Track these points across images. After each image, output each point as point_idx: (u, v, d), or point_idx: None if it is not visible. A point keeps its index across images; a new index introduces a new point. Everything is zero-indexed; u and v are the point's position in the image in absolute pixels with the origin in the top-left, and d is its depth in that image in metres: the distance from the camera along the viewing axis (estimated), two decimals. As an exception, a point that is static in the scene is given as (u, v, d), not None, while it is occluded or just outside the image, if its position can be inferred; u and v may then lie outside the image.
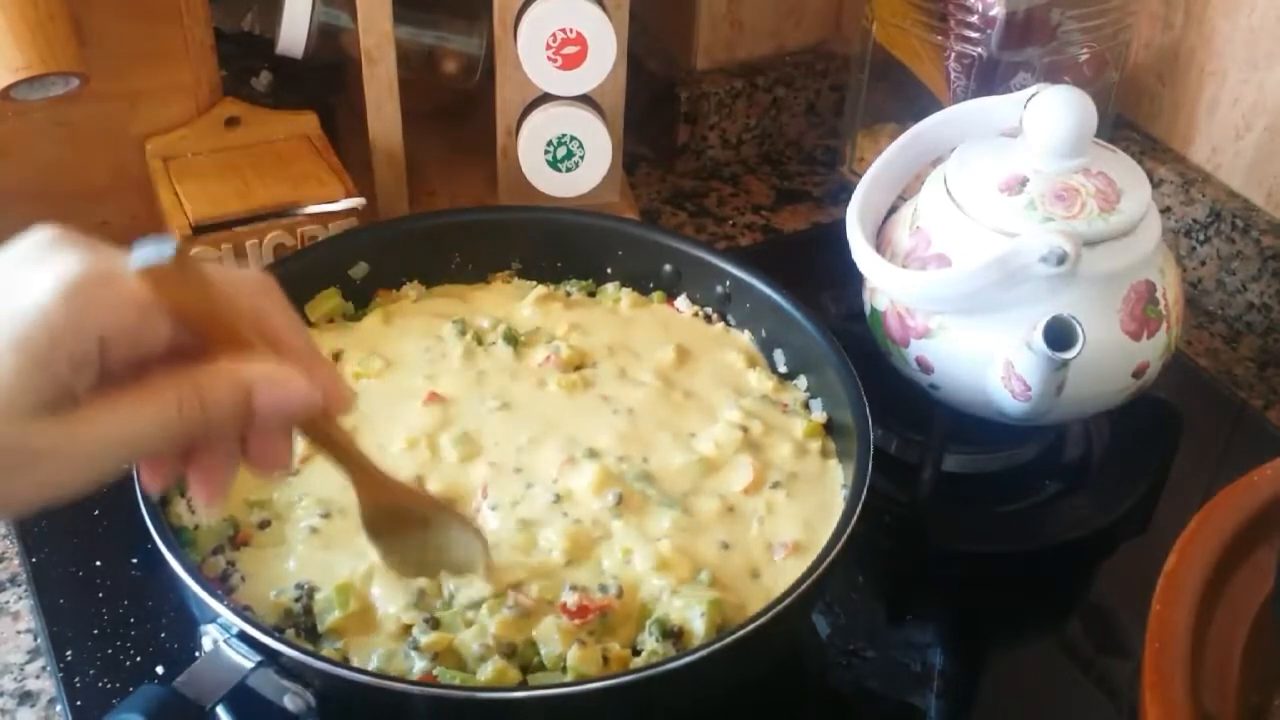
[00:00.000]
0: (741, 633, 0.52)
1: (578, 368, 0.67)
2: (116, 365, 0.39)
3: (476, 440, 0.62)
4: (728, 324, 0.72)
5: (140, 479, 0.45)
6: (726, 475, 0.62)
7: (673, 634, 0.55)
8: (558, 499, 0.60)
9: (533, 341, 0.68)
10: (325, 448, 0.50)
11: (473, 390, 0.65)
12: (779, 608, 0.53)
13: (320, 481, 0.60)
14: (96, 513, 0.66)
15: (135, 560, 0.64)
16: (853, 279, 0.70)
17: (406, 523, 0.54)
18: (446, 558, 0.55)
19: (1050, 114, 0.64)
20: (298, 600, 0.56)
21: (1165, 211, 0.85)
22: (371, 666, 0.53)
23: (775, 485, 0.62)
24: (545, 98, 0.79)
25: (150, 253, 0.38)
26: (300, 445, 0.60)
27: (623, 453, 0.62)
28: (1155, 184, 0.83)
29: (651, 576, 0.57)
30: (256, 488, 0.60)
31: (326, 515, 0.59)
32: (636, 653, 0.55)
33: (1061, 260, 0.60)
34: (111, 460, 0.39)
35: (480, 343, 0.68)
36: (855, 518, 0.56)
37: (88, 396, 0.39)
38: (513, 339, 0.68)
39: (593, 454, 0.62)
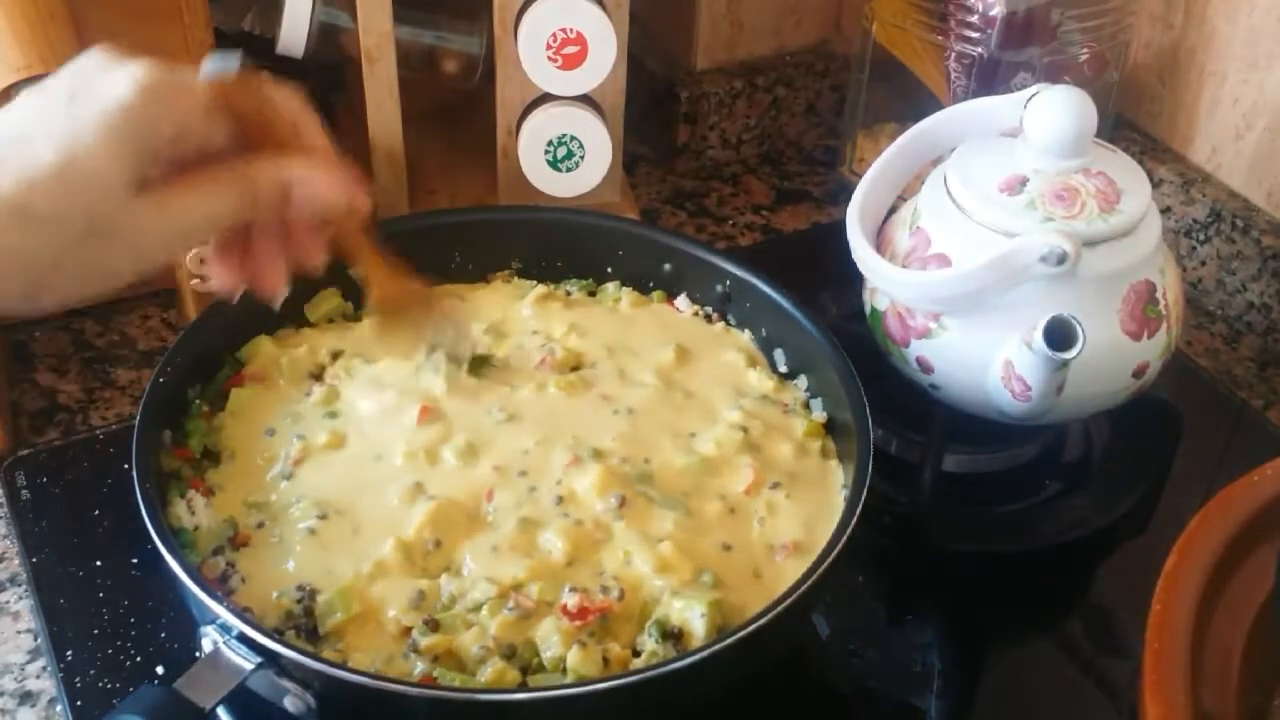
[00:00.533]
0: (742, 634, 0.52)
1: (575, 368, 0.67)
2: (182, 157, 0.45)
3: (480, 447, 0.62)
4: (728, 324, 0.72)
5: (216, 275, 0.51)
6: (728, 476, 0.62)
7: (673, 635, 0.55)
8: (560, 501, 0.60)
9: (512, 355, 0.68)
10: (346, 246, 0.55)
11: (473, 404, 0.65)
12: (779, 608, 0.53)
13: (316, 483, 0.60)
14: (96, 513, 0.67)
15: (135, 561, 0.64)
16: (853, 279, 0.70)
17: (409, 317, 0.61)
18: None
19: (1050, 114, 0.64)
20: (299, 602, 0.56)
21: (1165, 211, 0.85)
22: (371, 669, 0.53)
23: (776, 486, 0.62)
24: (545, 97, 0.79)
25: (218, 64, 0.46)
26: (295, 448, 0.60)
27: (626, 454, 0.62)
28: (1155, 184, 0.83)
29: (653, 578, 0.57)
30: (254, 489, 0.60)
31: (324, 517, 0.59)
32: (637, 654, 0.55)
33: (1061, 260, 0.60)
34: (185, 234, 0.46)
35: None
36: (855, 518, 0.56)
37: (161, 182, 0.45)
38: (483, 359, 0.67)
39: (597, 455, 0.62)
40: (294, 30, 0.77)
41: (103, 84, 0.44)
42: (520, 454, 0.62)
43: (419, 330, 0.63)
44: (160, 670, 0.59)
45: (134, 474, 0.56)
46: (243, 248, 0.51)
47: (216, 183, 0.46)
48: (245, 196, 0.47)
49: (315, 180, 0.48)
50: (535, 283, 0.73)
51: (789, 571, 0.57)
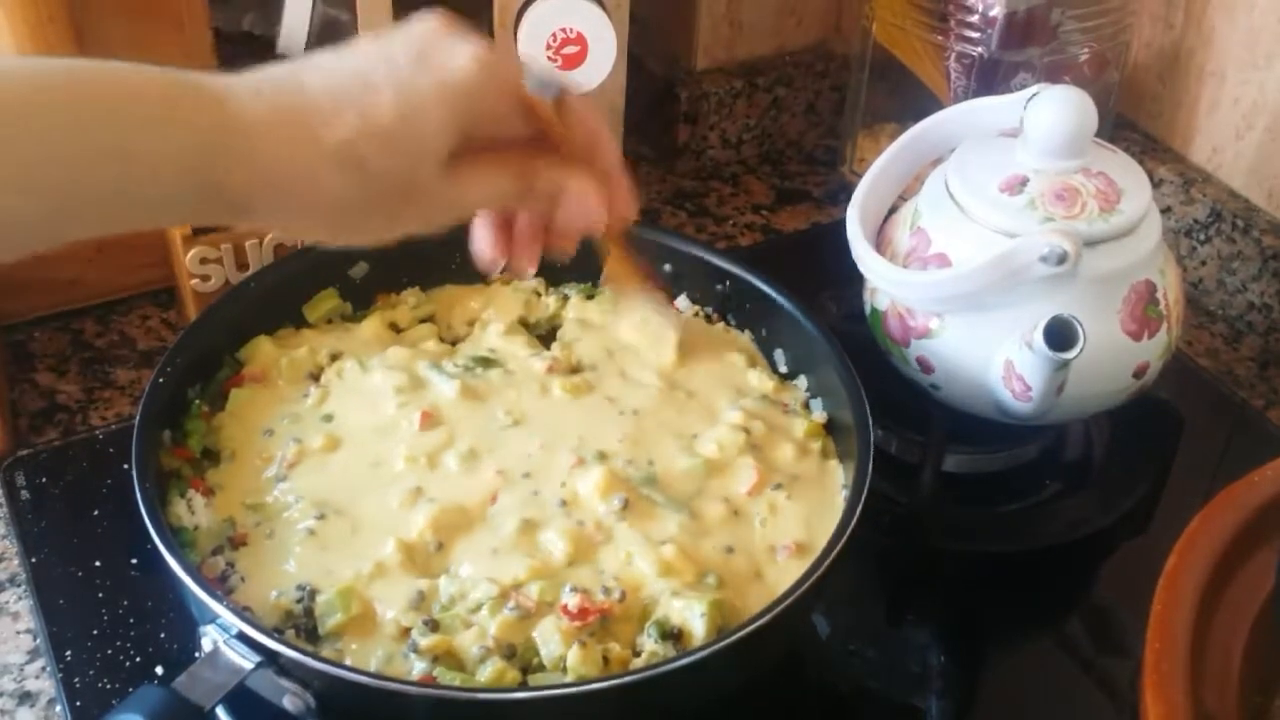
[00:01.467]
0: (741, 634, 0.52)
1: (574, 370, 0.67)
2: (487, 139, 0.48)
3: (482, 452, 0.62)
4: (728, 324, 0.72)
5: (478, 246, 0.54)
6: (730, 477, 0.62)
7: (673, 635, 0.55)
8: (564, 504, 0.60)
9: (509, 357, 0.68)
10: (600, 242, 0.59)
11: (477, 409, 0.65)
12: (779, 609, 0.53)
13: (313, 484, 0.60)
14: (96, 513, 0.66)
15: (135, 561, 0.64)
16: (853, 279, 0.70)
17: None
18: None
19: (1050, 114, 0.64)
20: (299, 602, 0.56)
21: (1166, 211, 0.85)
22: (371, 669, 0.53)
23: (777, 487, 0.62)
24: (545, 98, 0.79)
25: (541, 85, 0.50)
26: (291, 450, 0.61)
27: (629, 456, 0.62)
28: (1155, 184, 0.83)
29: (654, 579, 0.57)
30: (253, 490, 0.60)
31: (322, 517, 0.59)
32: (638, 654, 0.54)
33: (1062, 260, 0.60)
34: (466, 207, 0.50)
35: (470, 370, 0.67)
36: (856, 519, 0.56)
37: (461, 158, 0.47)
38: (486, 361, 0.67)
39: (601, 457, 0.62)
40: (294, 30, 0.77)
41: (447, 53, 0.45)
42: (524, 457, 0.62)
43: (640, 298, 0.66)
44: (160, 670, 0.59)
45: (134, 474, 0.56)
46: (506, 227, 0.53)
47: (506, 168, 0.49)
48: (523, 188, 0.49)
49: (588, 195, 0.51)
50: (535, 283, 0.73)
51: (791, 572, 0.57)
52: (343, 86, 0.44)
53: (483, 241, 0.54)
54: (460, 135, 0.46)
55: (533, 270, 0.55)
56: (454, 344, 0.70)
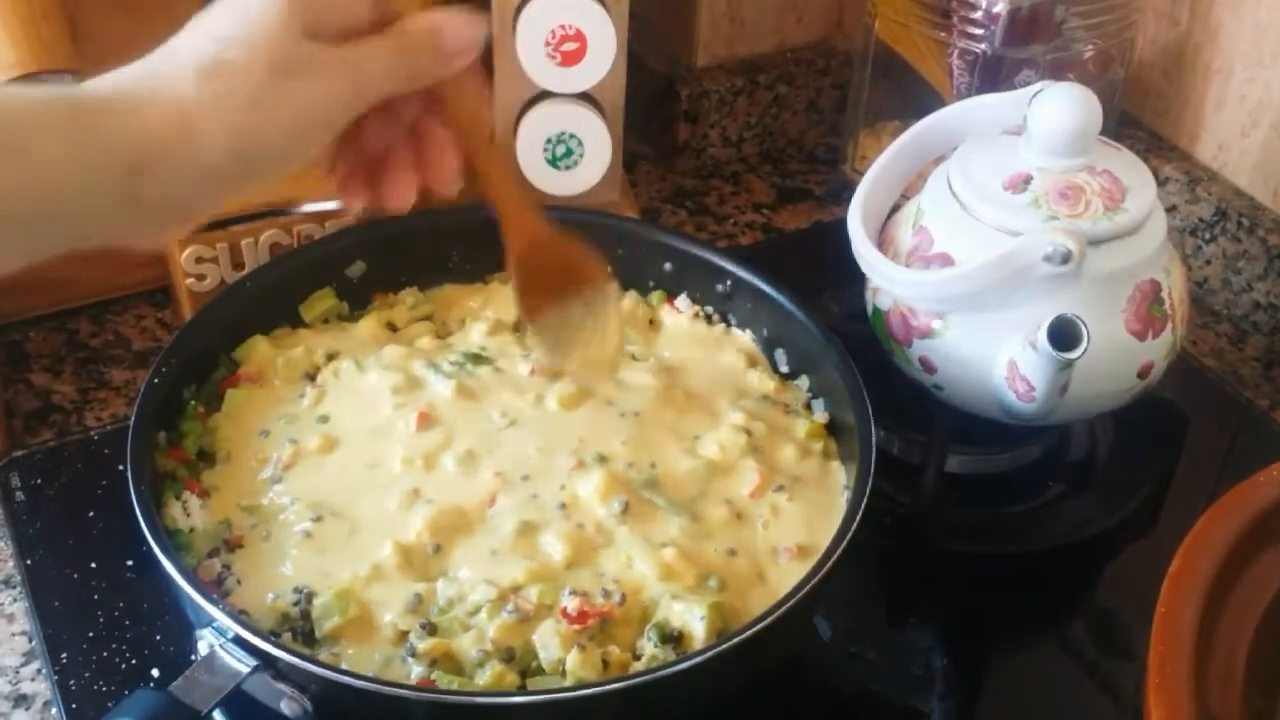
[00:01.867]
0: (742, 637, 0.51)
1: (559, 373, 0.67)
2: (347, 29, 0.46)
3: (481, 454, 0.62)
4: (728, 324, 0.72)
5: (346, 194, 0.51)
6: (732, 479, 0.62)
7: (673, 638, 0.54)
8: (563, 506, 0.59)
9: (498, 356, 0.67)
10: (478, 165, 0.52)
11: (474, 410, 0.64)
12: (779, 612, 0.52)
13: (310, 485, 0.60)
14: (91, 514, 0.66)
15: (130, 563, 0.63)
16: (855, 278, 0.69)
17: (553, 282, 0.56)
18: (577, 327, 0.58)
19: (1054, 111, 0.63)
20: (295, 605, 0.55)
21: (1170, 210, 0.84)
22: (369, 672, 0.53)
23: (779, 488, 0.61)
24: (544, 95, 0.78)
25: None
26: (286, 452, 0.60)
27: (630, 458, 0.62)
28: (1160, 182, 0.83)
29: (655, 582, 0.56)
30: (249, 491, 0.60)
31: (318, 519, 0.58)
32: (638, 657, 0.54)
33: (1066, 259, 0.59)
34: (363, 82, 0.46)
35: (465, 366, 0.66)
36: (857, 520, 0.55)
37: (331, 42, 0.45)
38: (476, 358, 0.67)
39: (601, 460, 0.61)
40: (291, 27, 0.77)
41: None
42: (523, 459, 0.61)
43: (563, 305, 0.57)
44: (156, 673, 0.59)
45: (129, 475, 0.56)
46: (371, 167, 0.51)
47: (377, 42, 0.47)
48: (405, 51, 0.47)
49: (456, 21, 0.48)
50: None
51: (793, 574, 0.56)
52: None
53: (345, 185, 0.51)
54: (309, 11, 0.45)
55: (410, 202, 0.51)
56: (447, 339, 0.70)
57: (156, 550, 0.53)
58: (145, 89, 0.43)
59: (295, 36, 0.44)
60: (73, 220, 0.42)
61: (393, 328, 0.70)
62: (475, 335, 0.69)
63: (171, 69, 0.44)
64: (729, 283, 0.71)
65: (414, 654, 0.53)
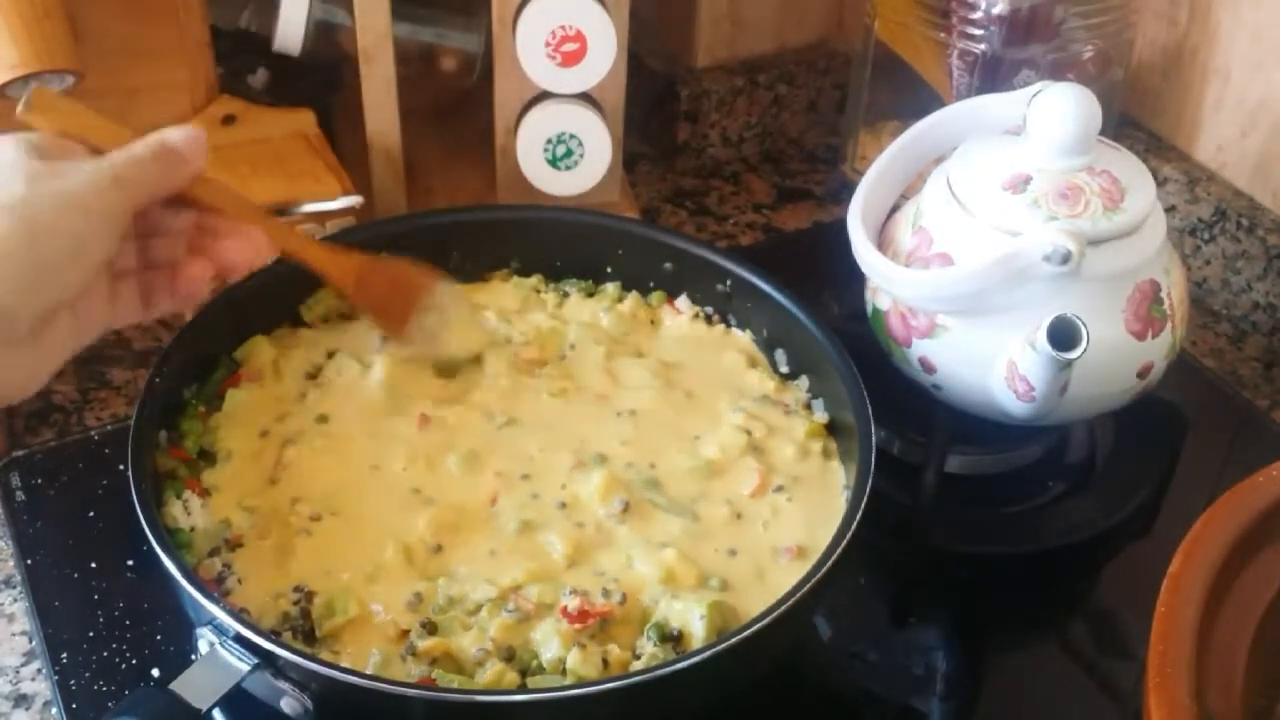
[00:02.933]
0: (741, 636, 0.51)
1: (541, 363, 0.67)
2: None
3: (482, 453, 0.62)
4: (728, 324, 0.72)
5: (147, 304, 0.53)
6: (732, 479, 0.62)
7: (672, 637, 0.54)
8: (564, 506, 0.59)
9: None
10: (274, 236, 0.56)
11: (474, 409, 0.64)
12: (778, 611, 0.52)
13: (310, 485, 0.60)
14: (92, 514, 0.66)
15: (131, 562, 0.63)
16: (854, 278, 0.69)
17: (395, 302, 0.62)
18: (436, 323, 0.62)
19: (1054, 112, 0.63)
20: (296, 604, 0.55)
21: (1170, 210, 0.84)
22: (369, 670, 0.53)
23: (779, 489, 0.61)
24: (544, 95, 0.78)
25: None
26: (287, 452, 0.60)
27: (631, 458, 0.62)
28: (1160, 182, 0.83)
29: (655, 582, 0.56)
30: (248, 492, 0.60)
31: (319, 518, 0.58)
32: (638, 656, 0.54)
33: (1065, 259, 0.59)
34: (122, 206, 0.47)
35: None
36: (857, 520, 0.55)
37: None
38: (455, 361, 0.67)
39: (602, 460, 0.61)
40: (290, 28, 0.77)
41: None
42: (524, 459, 0.61)
43: (416, 314, 0.62)
44: (156, 672, 0.59)
45: (130, 475, 0.56)
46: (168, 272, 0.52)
47: (130, 149, 0.49)
48: (144, 159, 0.49)
49: (182, 130, 0.51)
50: (534, 282, 0.73)
51: (793, 574, 0.56)
52: None
53: (149, 290, 0.52)
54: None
55: (197, 297, 0.54)
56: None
57: (157, 549, 0.53)
58: None
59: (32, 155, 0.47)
60: None
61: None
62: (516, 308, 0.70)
63: None
64: (729, 283, 0.71)
65: (414, 653, 0.53)
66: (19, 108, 0.49)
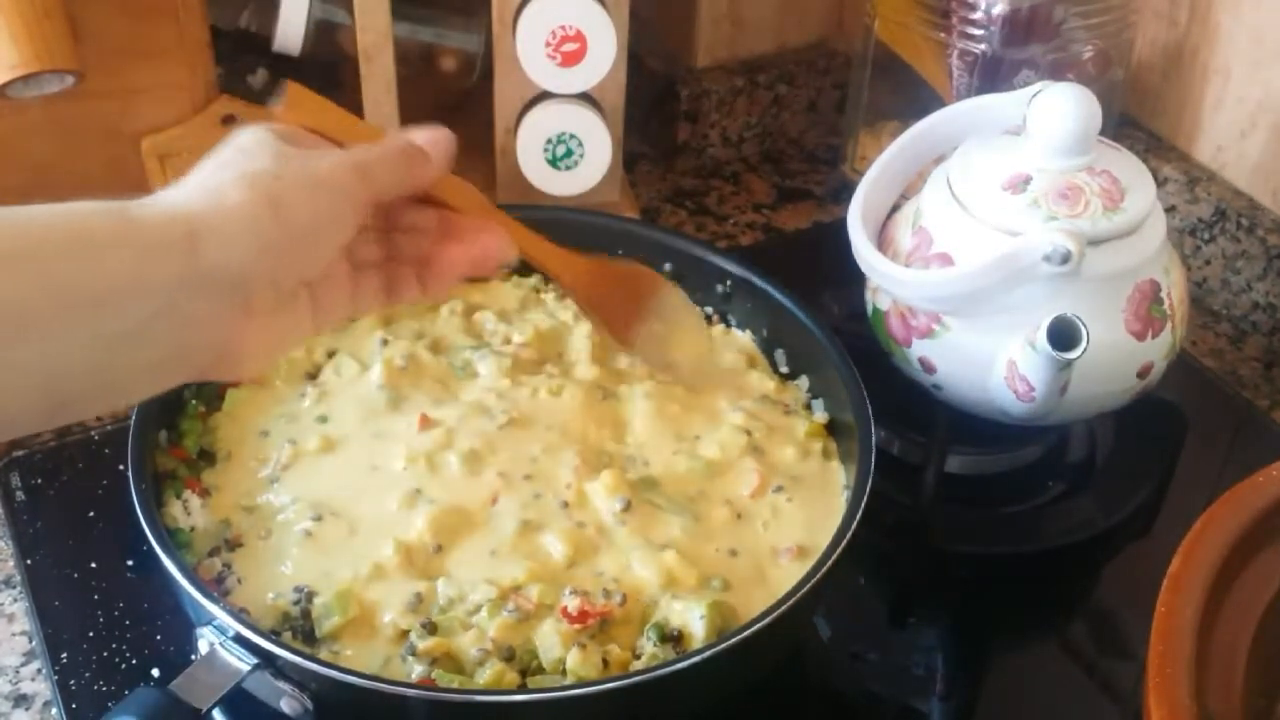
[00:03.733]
0: (741, 636, 0.51)
1: (540, 364, 0.67)
2: None
3: (483, 453, 0.62)
4: (728, 324, 0.72)
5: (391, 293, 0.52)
6: (732, 479, 0.62)
7: (672, 637, 0.54)
8: (566, 506, 0.59)
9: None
10: (513, 236, 0.54)
11: (473, 409, 0.64)
12: (778, 611, 0.52)
13: (310, 485, 0.60)
14: (92, 514, 0.66)
15: (131, 562, 0.63)
16: (854, 278, 0.69)
17: (619, 307, 0.59)
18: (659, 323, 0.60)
19: (1054, 112, 0.63)
20: (296, 604, 0.55)
21: (1170, 210, 0.84)
22: (369, 671, 0.52)
23: (779, 489, 0.61)
24: (544, 95, 0.78)
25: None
26: (286, 452, 0.60)
27: (630, 458, 0.62)
28: (1160, 182, 0.83)
29: (655, 582, 0.56)
30: (248, 492, 0.60)
31: (319, 518, 0.58)
32: (638, 656, 0.54)
33: (1065, 259, 0.59)
34: (357, 167, 0.47)
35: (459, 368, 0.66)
36: (857, 520, 0.55)
37: None
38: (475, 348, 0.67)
39: (603, 459, 0.61)
40: (291, 28, 0.77)
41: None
42: (525, 459, 0.61)
43: (641, 319, 0.60)
44: (156, 672, 0.59)
45: (130, 475, 0.56)
46: (417, 263, 0.52)
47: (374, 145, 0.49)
48: (390, 163, 0.49)
49: (423, 134, 0.51)
50: (534, 282, 0.73)
51: (793, 574, 0.56)
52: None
53: (392, 277, 0.52)
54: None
55: (444, 290, 0.53)
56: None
57: (157, 549, 0.53)
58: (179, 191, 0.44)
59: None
60: (137, 297, 0.41)
61: (393, 326, 0.70)
62: (445, 328, 0.69)
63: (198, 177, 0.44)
64: (729, 283, 0.71)
65: (414, 653, 0.53)
66: (277, 106, 0.49)
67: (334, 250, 0.47)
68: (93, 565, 0.64)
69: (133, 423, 0.58)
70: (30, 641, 0.61)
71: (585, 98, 0.79)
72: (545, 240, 0.56)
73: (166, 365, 0.43)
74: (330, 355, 0.67)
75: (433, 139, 0.51)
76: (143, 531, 0.54)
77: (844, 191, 0.78)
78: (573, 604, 0.55)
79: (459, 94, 0.85)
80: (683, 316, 0.61)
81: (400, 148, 0.49)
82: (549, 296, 0.73)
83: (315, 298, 0.48)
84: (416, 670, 0.53)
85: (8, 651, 0.61)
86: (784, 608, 0.52)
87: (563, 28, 0.74)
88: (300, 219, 0.45)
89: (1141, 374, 0.65)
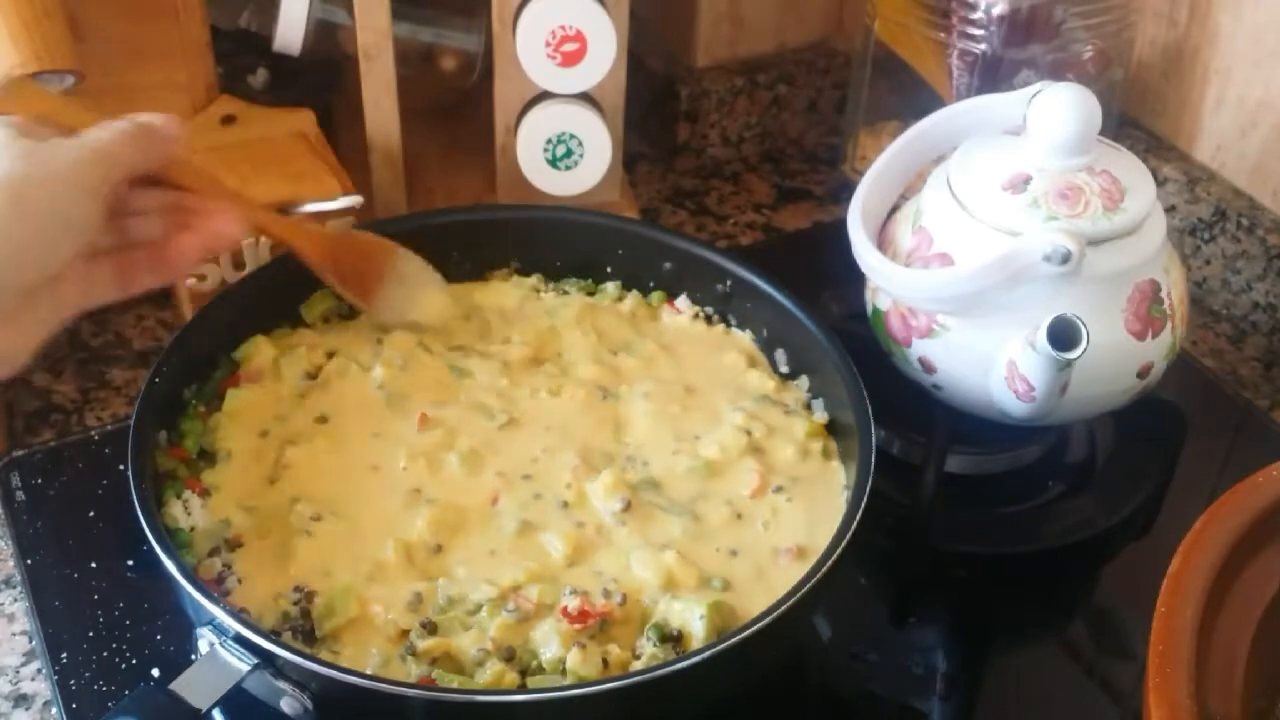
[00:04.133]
0: (741, 636, 0.51)
1: (540, 364, 0.67)
2: None
3: (483, 453, 0.62)
4: (728, 324, 0.72)
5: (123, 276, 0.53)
6: (732, 480, 0.62)
7: (672, 638, 0.54)
8: (565, 505, 0.59)
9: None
10: (250, 215, 0.58)
11: (473, 409, 0.64)
12: (778, 612, 0.52)
13: (310, 485, 0.60)
14: (92, 514, 0.66)
15: (131, 562, 0.63)
16: (854, 278, 0.69)
17: (359, 273, 0.65)
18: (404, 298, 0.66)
19: (1054, 111, 0.63)
20: (296, 603, 0.55)
21: (1170, 210, 0.84)
22: (369, 671, 0.53)
23: (779, 489, 0.61)
24: (544, 95, 0.78)
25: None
26: (287, 451, 0.60)
27: (630, 458, 0.62)
28: (1160, 182, 0.83)
29: (655, 582, 0.56)
30: (248, 492, 0.60)
31: (319, 518, 0.58)
32: (638, 656, 0.54)
33: (1065, 259, 0.59)
34: (102, 179, 0.49)
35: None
36: (857, 521, 0.55)
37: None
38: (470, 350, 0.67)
39: (602, 458, 0.61)
40: (291, 28, 0.77)
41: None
42: (525, 459, 0.61)
43: (380, 284, 0.66)
44: (156, 672, 0.59)
45: (130, 475, 0.56)
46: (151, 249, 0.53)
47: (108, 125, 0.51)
48: (129, 135, 0.50)
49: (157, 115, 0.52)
50: (534, 282, 0.73)
51: (793, 574, 0.56)
52: None
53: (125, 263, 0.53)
54: None
55: (190, 263, 0.55)
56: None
57: (157, 549, 0.53)
58: None
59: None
60: None
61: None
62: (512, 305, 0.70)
63: None
64: (729, 283, 0.71)
65: (414, 653, 0.53)
66: None
67: (82, 245, 0.47)
68: (93, 565, 0.64)
69: (133, 423, 0.58)
70: (30, 641, 0.61)
71: (585, 98, 0.79)
72: (280, 216, 0.62)
73: None
74: (330, 355, 0.67)
75: (164, 117, 0.52)
76: (143, 531, 0.54)
77: (844, 191, 0.78)
78: (572, 604, 0.55)
79: (459, 94, 0.85)
80: (422, 280, 0.67)
81: (136, 125, 0.50)
82: (549, 296, 0.73)
83: (53, 293, 0.48)
84: (416, 670, 0.53)
85: (8, 651, 0.61)
86: (784, 608, 0.52)
87: (563, 28, 0.74)
88: (49, 222, 0.46)
89: (1141, 374, 0.65)
